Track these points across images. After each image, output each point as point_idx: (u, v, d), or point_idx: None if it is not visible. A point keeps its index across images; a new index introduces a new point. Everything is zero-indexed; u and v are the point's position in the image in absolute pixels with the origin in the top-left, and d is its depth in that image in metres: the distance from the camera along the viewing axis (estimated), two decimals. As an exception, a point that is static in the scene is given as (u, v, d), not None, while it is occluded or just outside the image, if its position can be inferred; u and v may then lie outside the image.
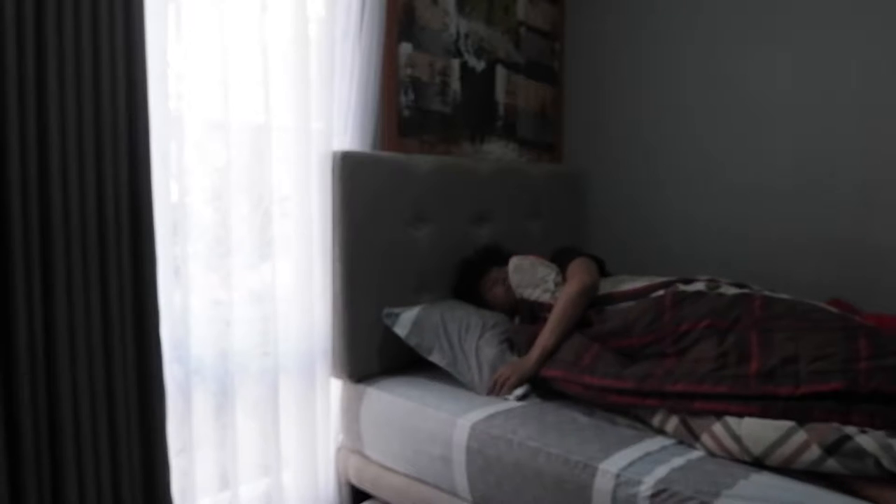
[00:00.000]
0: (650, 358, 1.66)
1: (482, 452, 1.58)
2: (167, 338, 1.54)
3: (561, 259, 2.06)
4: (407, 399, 1.82)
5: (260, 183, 1.76)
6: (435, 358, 1.89)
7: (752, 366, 1.46)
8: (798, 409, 1.34)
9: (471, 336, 1.90)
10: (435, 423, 1.70)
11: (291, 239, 1.87)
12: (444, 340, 1.89)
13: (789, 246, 2.35)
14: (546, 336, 1.79)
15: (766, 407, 1.38)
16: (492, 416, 1.65)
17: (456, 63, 2.43)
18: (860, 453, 1.23)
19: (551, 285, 1.96)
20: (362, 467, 1.94)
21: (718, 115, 2.51)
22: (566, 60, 2.96)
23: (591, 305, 1.87)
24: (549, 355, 1.77)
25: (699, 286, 1.77)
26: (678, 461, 1.38)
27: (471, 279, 2.16)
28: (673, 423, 1.50)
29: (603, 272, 2.06)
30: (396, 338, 1.94)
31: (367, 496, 1.98)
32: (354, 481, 1.99)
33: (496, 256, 2.19)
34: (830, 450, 1.26)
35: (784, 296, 1.69)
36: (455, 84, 2.43)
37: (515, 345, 1.90)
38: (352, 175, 1.89)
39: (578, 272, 1.92)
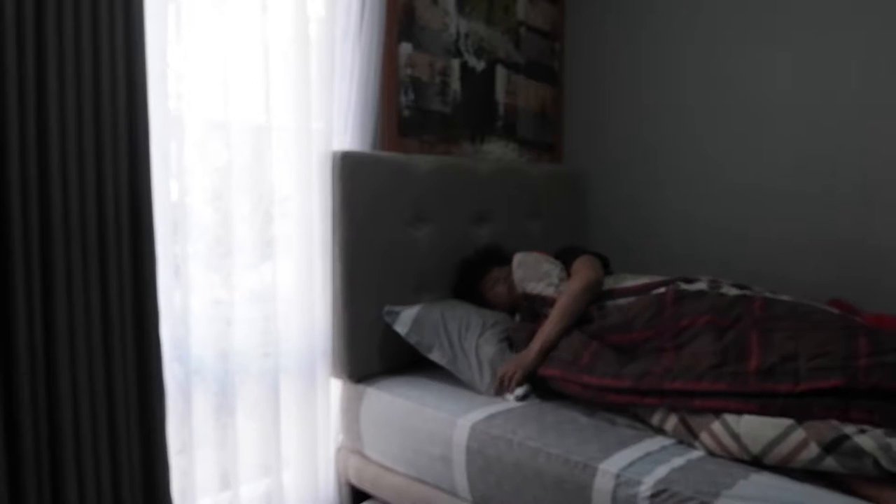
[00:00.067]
0: (649, 353, 1.66)
1: (482, 452, 1.58)
2: (167, 338, 1.54)
3: (566, 256, 2.07)
4: (407, 399, 1.82)
5: (260, 183, 1.76)
6: (435, 356, 1.90)
7: (751, 363, 1.46)
8: (797, 407, 1.35)
9: (471, 334, 1.90)
10: (435, 423, 1.70)
11: (292, 239, 1.87)
12: (444, 339, 1.89)
13: (789, 246, 2.35)
14: (548, 328, 1.80)
15: (765, 404, 1.38)
16: (492, 417, 1.65)
17: (456, 63, 2.43)
18: (858, 452, 1.23)
19: (555, 279, 1.97)
20: (362, 467, 1.94)
21: (718, 115, 2.51)
22: (566, 60, 2.96)
23: (592, 301, 1.88)
24: (550, 347, 1.77)
25: (701, 285, 1.78)
26: (678, 461, 1.38)
27: (471, 279, 2.16)
28: (672, 421, 1.50)
29: (607, 270, 2.06)
30: (396, 338, 1.94)
31: (367, 496, 1.98)
32: (354, 481, 1.99)
33: (497, 256, 2.20)
34: (829, 448, 1.26)
35: (785, 297, 1.69)
36: (455, 84, 2.43)
37: (514, 343, 1.90)
38: (352, 175, 1.89)
39: (584, 269, 1.93)
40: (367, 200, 1.93)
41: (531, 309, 1.98)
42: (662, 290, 1.80)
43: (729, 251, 2.48)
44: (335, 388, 2.00)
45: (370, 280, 1.95)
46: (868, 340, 1.41)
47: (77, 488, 1.33)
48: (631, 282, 1.90)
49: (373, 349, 1.98)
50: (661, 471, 1.34)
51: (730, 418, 1.40)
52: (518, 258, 2.09)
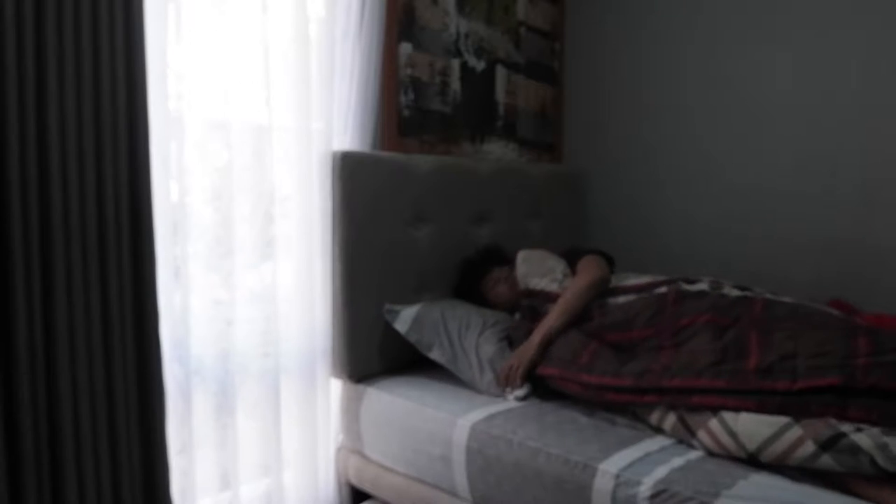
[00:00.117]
0: (648, 351, 1.66)
1: (482, 452, 1.58)
2: (167, 338, 1.54)
3: (571, 256, 2.08)
4: (407, 399, 1.82)
5: (260, 183, 1.76)
6: (434, 355, 1.90)
7: (750, 361, 1.46)
8: (795, 404, 1.34)
9: (471, 333, 1.90)
10: (435, 423, 1.71)
11: (292, 239, 1.87)
12: (444, 337, 1.89)
13: (789, 246, 2.35)
14: (550, 321, 1.80)
15: (763, 402, 1.38)
16: (492, 417, 1.65)
17: (456, 63, 2.43)
18: (855, 450, 1.23)
19: (559, 275, 1.98)
20: (362, 467, 1.94)
21: (718, 115, 2.51)
22: (566, 60, 2.96)
23: (594, 298, 1.88)
24: (551, 339, 1.77)
25: (702, 286, 1.78)
26: (678, 461, 1.38)
27: (472, 279, 2.17)
28: (670, 420, 1.50)
29: (612, 269, 2.07)
30: (396, 338, 1.94)
31: (367, 496, 1.98)
32: (354, 481, 1.99)
33: (497, 256, 2.20)
34: (825, 446, 1.26)
35: (787, 299, 1.69)
36: (455, 84, 2.43)
37: (514, 341, 1.90)
38: (352, 175, 1.89)
39: (590, 266, 1.94)
40: (367, 200, 1.93)
41: (532, 307, 1.98)
42: (664, 289, 1.80)
43: (729, 251, 2.48)
44: (335, 388, 2.00)
45: (370, 280, 1.95)
46: (868, 340, 1.41)
47: (77, 488, 1.33)
48: (633, 280, 1.90)
49: (373, 349, 1.98)
50: (661, 471, 1.34)
51: (727, 416, 1.40)
52: (523, 254, 2.10)
